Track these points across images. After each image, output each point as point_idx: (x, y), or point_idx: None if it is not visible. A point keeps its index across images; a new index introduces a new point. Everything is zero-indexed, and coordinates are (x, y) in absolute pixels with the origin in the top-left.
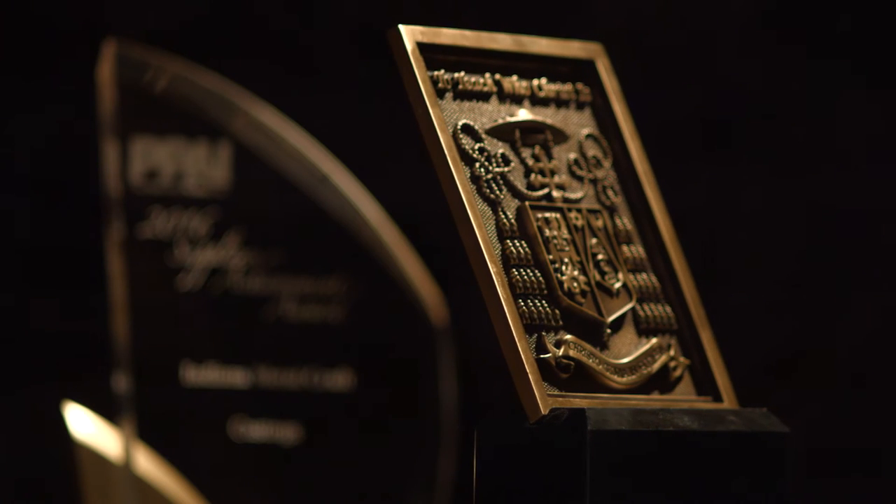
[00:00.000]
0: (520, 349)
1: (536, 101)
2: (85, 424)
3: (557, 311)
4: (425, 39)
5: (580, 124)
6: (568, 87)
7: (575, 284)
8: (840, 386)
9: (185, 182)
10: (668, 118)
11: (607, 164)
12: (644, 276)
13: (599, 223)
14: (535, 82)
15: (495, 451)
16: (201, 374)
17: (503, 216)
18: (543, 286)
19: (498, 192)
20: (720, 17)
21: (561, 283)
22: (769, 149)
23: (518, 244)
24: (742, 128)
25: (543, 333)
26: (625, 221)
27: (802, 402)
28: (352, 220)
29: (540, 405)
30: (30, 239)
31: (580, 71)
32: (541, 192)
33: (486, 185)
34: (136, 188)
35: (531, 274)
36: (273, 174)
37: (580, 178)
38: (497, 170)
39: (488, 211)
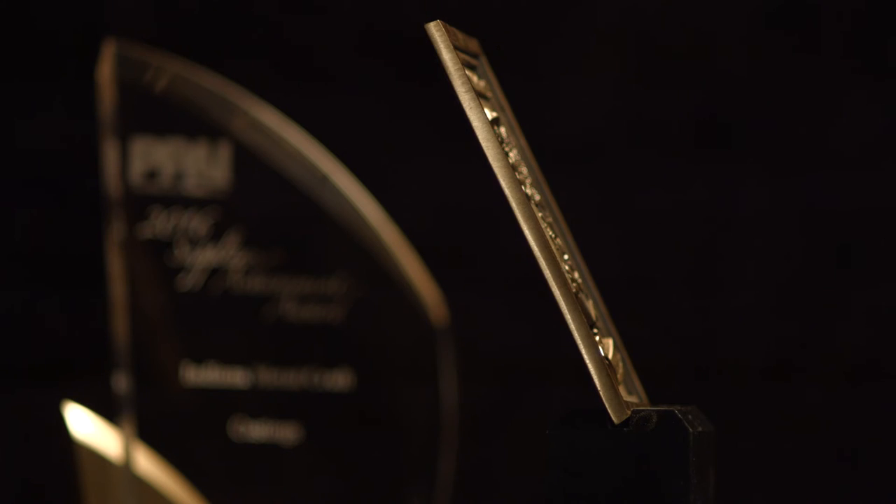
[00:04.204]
0: (601, 350)
1: (483, 97)
2: (85, 424)
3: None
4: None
5: (498, 122)
6: (484, 83)
7: (574, 283)
8: (839, 386)
9: (185, 182)
10: (667, 117)
11: (522, 160)
12: (577, 273)
13: (551, 220)
14: (476, 79)
15: (573, 455)
16: (201, 374)
17: None
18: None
19: None
20: (720, 16)
21: (574, 280)
22: (769, 149)
23: None
24: (742, 127)
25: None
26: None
27: (800, 401)
28: (352, 220)
29: (625, 407)
30: (30, 239)
31: (478, 67)
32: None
33: None
34: (136, 188)
35: None
36: (273, 174)
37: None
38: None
39: None
